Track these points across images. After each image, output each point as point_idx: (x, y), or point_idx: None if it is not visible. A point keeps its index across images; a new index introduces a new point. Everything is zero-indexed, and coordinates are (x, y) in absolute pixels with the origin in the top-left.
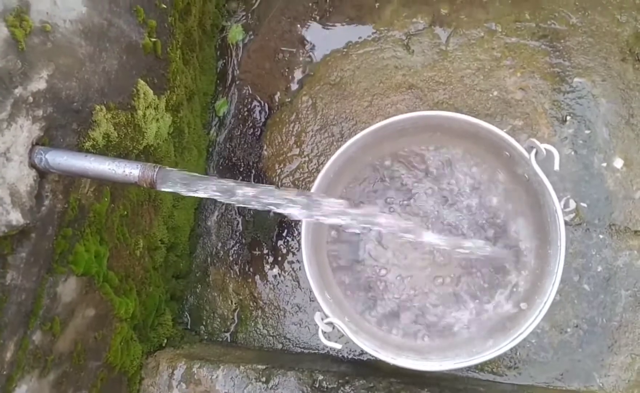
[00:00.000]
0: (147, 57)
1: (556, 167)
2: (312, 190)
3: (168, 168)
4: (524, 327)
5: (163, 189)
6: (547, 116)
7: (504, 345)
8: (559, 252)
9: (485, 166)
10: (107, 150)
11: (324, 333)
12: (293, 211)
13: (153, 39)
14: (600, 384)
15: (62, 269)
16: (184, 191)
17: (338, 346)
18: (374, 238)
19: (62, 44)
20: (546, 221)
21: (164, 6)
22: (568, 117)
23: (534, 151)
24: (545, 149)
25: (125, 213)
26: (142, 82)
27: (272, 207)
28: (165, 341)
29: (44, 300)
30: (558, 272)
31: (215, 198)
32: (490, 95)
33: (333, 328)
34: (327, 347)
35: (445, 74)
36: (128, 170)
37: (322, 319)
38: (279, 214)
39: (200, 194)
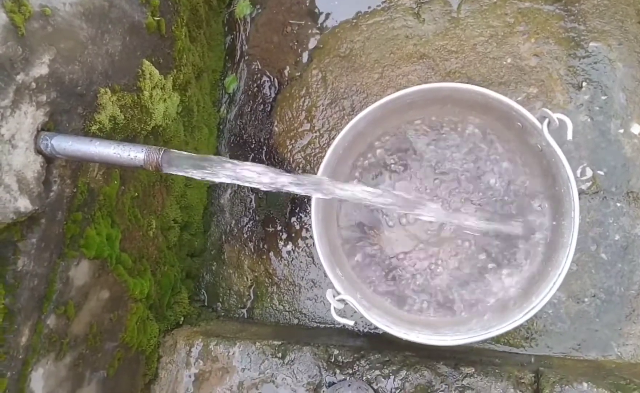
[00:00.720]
0: (152, 37)
1: (569, 137)
2: (322, 167)
3: (174, 150)
4: (537, 300)
5: (170, 172)
6: (563, 83)
7: (517, 319)
8: (573, 224)
9: (497, 137)
10: (115, 133)
11: (336, 310)
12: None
13: (157, 18)
14: (619, 353)
15: (73, 253)
16: (191, 173)
17: (351, 323)
18: (386, 214)
19: (63, 28)
20: (560, 192)
21: None
22: (584, 83)
23: (546, 120)
24: (558, 118)
25: (136, 194)
26: (147, 62)
27: (286, 189)
28: (182, 319)
29: (56, 284)
30: (572, 244)
31: (226, 181)
32: (504, 62)
33: (345, 304)
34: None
35: (457, 42)
36: (133, 154)
37: (334, 296)
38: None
39: (208, 178)
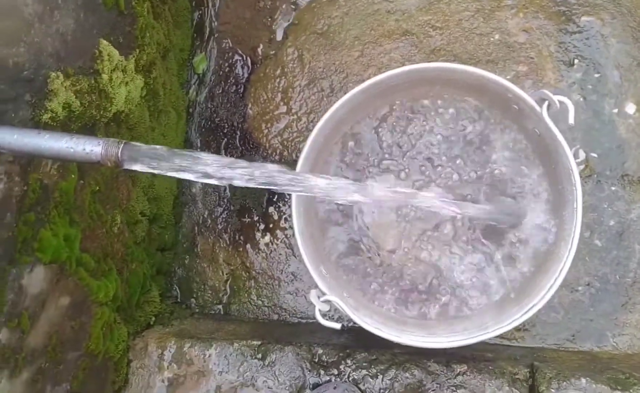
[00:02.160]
0: (110, 14)
1: (571, 121)
2: (301, 159)
3: (135, 143)
4: (538, 298)
5: (132, 168)
6: (553, 60)
7: (516, 318)
8: (575, 215)
9: (491, 121)
10: (70, 122)
11: (321, 312)
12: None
13: None
14: (614, 344)
15: (26, 259)
16: (159, 171)
17: (337, 326)
18: (371, 206)
19: (3, 4)
20: (560, 181)
21: None
22: (576, 61)
23: (545, 103)
24: (558, 101)
25: (98, 188)
26: (104, 42)
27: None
28: (153, 319)
29: (7, 295)
30: (574, 237)
31: (200, 180)
32: (492, 39)
33: (331, 303)
34: None
35: (442, 17)
36: (89, 147)
37: (319, 297)
38: None
39: (181, 175)
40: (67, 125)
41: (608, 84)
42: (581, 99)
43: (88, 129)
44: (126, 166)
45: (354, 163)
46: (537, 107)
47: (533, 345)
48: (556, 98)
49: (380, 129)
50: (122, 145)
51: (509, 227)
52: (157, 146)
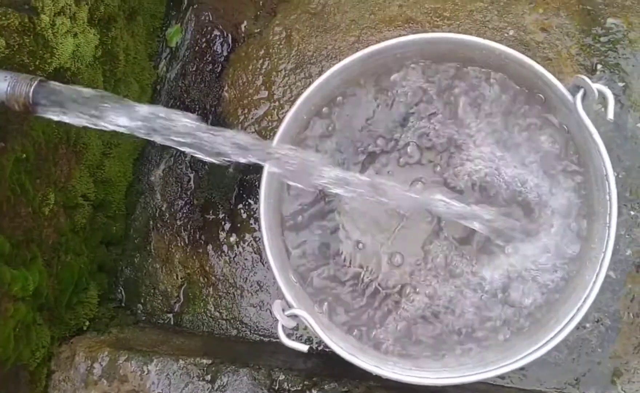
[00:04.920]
0: None
1: (610, 115)
2: (278, 135)
3: (55, 83)
4: (555, 331)
5: (48, 116)
6: (574, 63)
7: (527, 353)
8: (608, 232)
9: (510, 111)
10: None
11: (285, 329)
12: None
13: None
14: (623, 392)
15: None
16: (79, 121)
17: (304, 348)
18: (352, 205)
19: None
20: (590, 189)
21: None
22: (598, 66)
23: (580, 92)
24: (597, 90)
25: (25, 156)
26: None
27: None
28: (87, 323)
29: None
30: (605, 257)
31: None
32: (505, 35)
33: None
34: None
35: (452, 6)
36: None
37: (284, 310)
38: (241, 171)
39: (109, 126)
40: None
41: (633, 95)
42: (602, 109)
43: None
44: (39, 112)
45: (343, 148)
46: (570, 98)
47: (529, 387)
48: (595, 87)
49: (376, 110)
50: (35, 83)
51: (521, 243)
52: (87, 89)
